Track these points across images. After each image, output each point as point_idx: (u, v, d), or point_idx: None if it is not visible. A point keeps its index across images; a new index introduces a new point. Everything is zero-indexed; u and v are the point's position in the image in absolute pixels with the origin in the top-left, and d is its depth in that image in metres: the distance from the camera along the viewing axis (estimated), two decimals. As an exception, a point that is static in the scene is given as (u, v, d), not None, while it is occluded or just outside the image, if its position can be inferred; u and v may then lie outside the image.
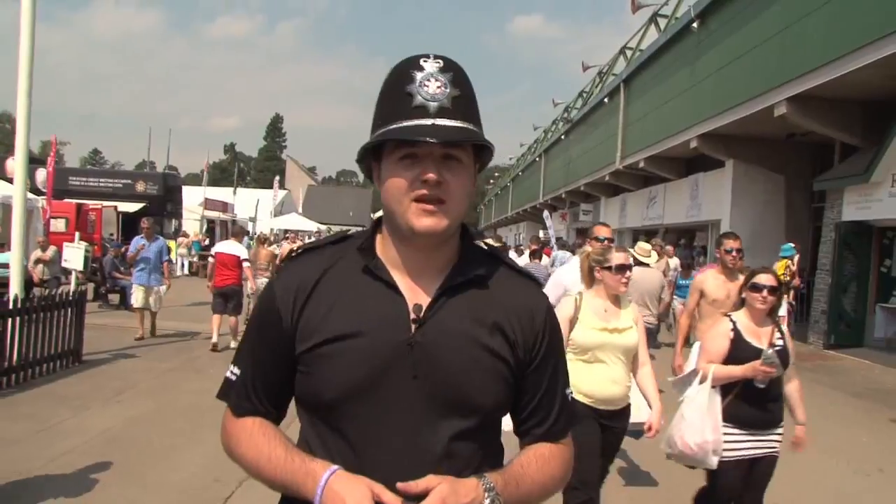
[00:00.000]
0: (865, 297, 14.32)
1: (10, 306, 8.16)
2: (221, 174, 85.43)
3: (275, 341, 1.51)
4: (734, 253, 5.91)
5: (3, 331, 7.98)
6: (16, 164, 9.13)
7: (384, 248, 1.55)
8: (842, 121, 14.21)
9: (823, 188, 15.16)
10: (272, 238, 33.70)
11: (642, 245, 8.78)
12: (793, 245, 14.01)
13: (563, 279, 5.61)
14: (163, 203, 32.28)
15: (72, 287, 11.13)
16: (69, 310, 9.30)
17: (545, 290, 5.24)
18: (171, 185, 34.36)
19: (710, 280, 6.06)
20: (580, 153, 34.53)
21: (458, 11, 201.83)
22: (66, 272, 17.56)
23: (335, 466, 1.40)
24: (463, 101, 1.45)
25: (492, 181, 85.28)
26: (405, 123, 1.41)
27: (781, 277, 11.30)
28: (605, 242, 5.29)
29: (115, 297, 16.05)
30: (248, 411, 1.56)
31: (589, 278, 4.30)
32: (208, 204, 38.66)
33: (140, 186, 32.60)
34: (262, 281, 14.11)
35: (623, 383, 4.16)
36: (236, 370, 1.60)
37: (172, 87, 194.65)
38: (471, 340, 1.48)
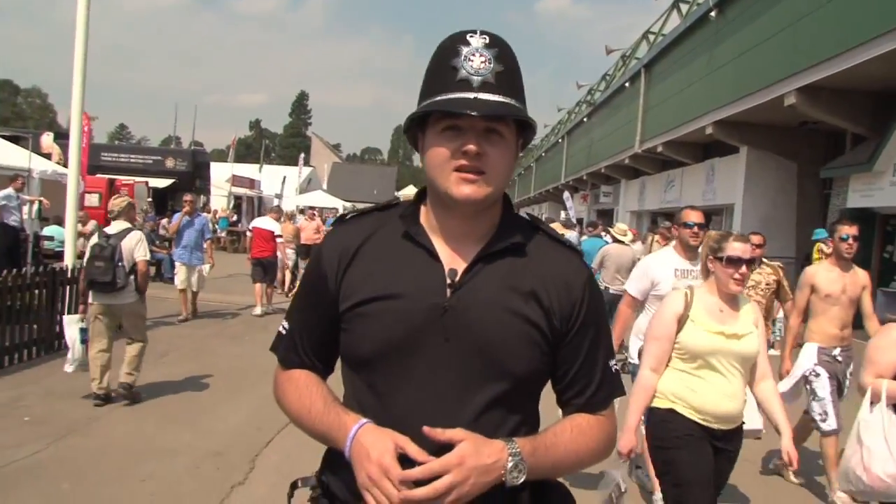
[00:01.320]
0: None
1: (69, 275, 8.96)
2: (247, 150, 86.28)
3: (321, 299, 1.60)
4: (850, 240, 5.22)
5: (55, 297, 8.78)
6: (71, 143, 9.87)
7: (426, 216, 1.60)
8: (850, 111, 14.69)
9: (830, 175, 15.67)
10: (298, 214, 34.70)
11: (619, 225, 10.56)
12: (826, 229, 13.55)
13: (651, 270, 4.97)
14: (191, 179, 32.70)
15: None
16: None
17: (630, 280, 5.22)
18: (199, 161, 34.92)
19: (821, 273, 5.41)
20: (601, 136, 34.98)
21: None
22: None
23: (365, 420, 1.47)
24: (507, 76, 1.48)
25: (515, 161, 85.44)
26: (449, 96, 1.45)
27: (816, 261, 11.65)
28: (695, 228, 4.74)
29: (151, 270, 16.88)
30: (295, 364, 1.66)
31: (704, 270, 3.68)
32: (235, 180, 39.37)
33: (170, 162, 33.19)
34: (289, 252, 15.10)
35: (739, 398, 3.54)
36: (287, 325, 1.70)
37: (199, 63, 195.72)
38: (504, 306, 1.51)
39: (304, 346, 1.65)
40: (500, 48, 1.48)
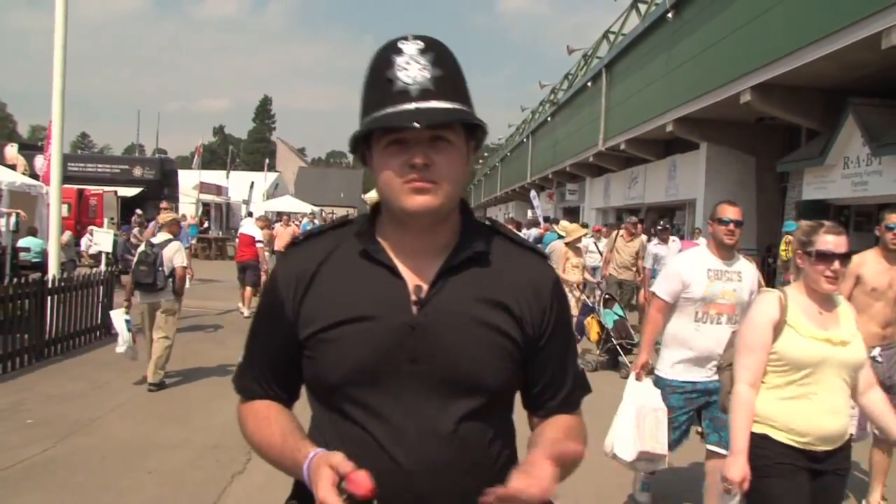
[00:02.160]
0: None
1: (50, 285, 9.22)
2: (211, 156, 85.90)
3: (279, 327, 1.53)
4: None
5: (44, 307, 9.04)
6: (53, 156, 10.16)
7: (384, 232, 1.54)
8: (802, 107, 15.31)
9: (786, 170, 16.30)
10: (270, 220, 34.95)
11: (563, 223, 12.04)
12: (795, 222, 13.27)
13: (683, 271, 4.51)
14: (160, 187, 32.68)
15: (102, 268, 12.17)
16: (101, 288, 10.38)
17: (658, 281, 4.77)
18: (167, 169, 35.01)
19: (869, 264, 4.93)
20: (566, 135, 35.55)
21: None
22: (79, 255, 18.69)
23: (312, 453, 1.37)
24: (447, 80, 1.42)
25: (481, 161, 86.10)
26: (389, 110, 1.38)
27: (784, 255, 12.00)
28: (731, 226, 4.35)
29: (126, 278, 17.07)
30: (257, 394, 1.60)
31: (795, 268, 3.27)
32: (203, 187, 39.37)
33: (137, 171, 33.27)
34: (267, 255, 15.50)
35: (845, 414, 3.11)
36: (244, 354, 1.65)
37: (160, 70, 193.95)
38: (473, 319, 1.47)
39: (266, 377, 1.59)
40: (435, 52, 1.42)
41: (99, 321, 10.34)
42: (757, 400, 3.09)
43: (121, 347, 8.03)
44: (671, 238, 11.72)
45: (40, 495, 4.74)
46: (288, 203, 45.52)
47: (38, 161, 25.55)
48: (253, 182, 46.78)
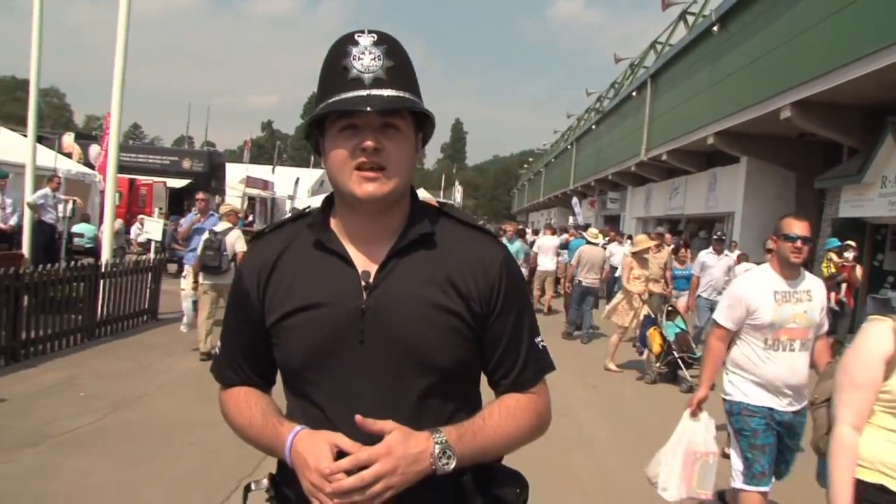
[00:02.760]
0: (858, 288, 15.51)
1: (103, 270, 9.76)
2: (259, 151, 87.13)
3: (247, 316, 1.62)
4: None
5: (96, 290, 9.58)
6: (109, 148, 10.72)
7: (337, 220, 1.61)
8: (841, 125, 15.40)
9: (824, 186, 16.35)
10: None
11: (591, 230, 12.33)
12: (838, 239, 13.15)
13: (746, 295, 4.14)
14: (208, 180, 33.18)
15: (152, 255, 12.72)
16: (149, 274, 10.91)
17: (719, 306, 4.35)
18: (216, 162, 35.63)
19: None
20: (609, 143, 35.69)
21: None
22: (129, 243, 19.41)
23: (299, 427, 1.49)
24: (398, 71, 1.49)
25: (525, 166, 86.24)
26: (343, 96, 1.46)
27: (826, 272, 11.88)
28: (798, 242, 3.97)
29: (173, 267, 17.69)
30: (235, 381, 1.68)
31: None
32: (249, 181, 40.13)
33: (186, 163, 33.89)
34: None
35: None
36: (220, 345, 1.73)
37: (211, 64, 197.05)
38: (421, 300, 1.52)
39: (239, 363, 1.67)
40: (388, 44, 1.51)
41: (147, 306, 10.87)
42: (870, 444, 2.71)
43: (184, 327, 9.55)
44: (725, 252, 11.47)
45: (92, 460, 5.18)
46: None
47: (93, 150, 26.38)
48: (298, 178, 47.58)
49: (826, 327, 4.30)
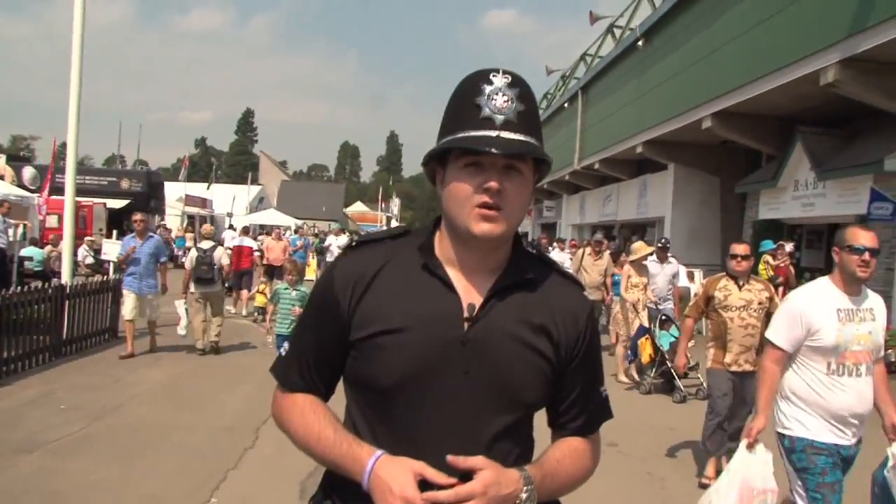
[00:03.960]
0: (792, 287, 16.60)
1: (68, 291, 10.12)
2: (193, 168, 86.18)
3: (331, 324, 1.60)
4: None
5: (62, 311, 9.93)
6: (67, 173, 11.04)
7: (441, 247, 1.62)
8: (758, 133, 16.54)
9: (744, 191, 17.48)
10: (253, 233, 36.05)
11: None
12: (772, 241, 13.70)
13: (807, 314, 3.72)
14: (147, 199, 33.16)
15: (111, 275, 13.05)
16: (109, 294, 11.28)
17: (773, 324, 3.91)
18: (154, 181, 35.49)
19: None
20: (543, 153, 36.69)
21: (432, 3, 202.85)
22: (77, 265, 19.55)
23: (380, 452, 1.49)
24: (527, 115, 1.53)
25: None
26: (472, 133, 1.48)
27: (763, 274, 12.36)
28: (866, 255, 3.58)
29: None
30: (298, 387, 1.66)
31: None
32: (188, 200, 40.14)
33: (125, 183, 33.73)
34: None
35: None
36: (289, 347, 1.71)
37: (142, 81, 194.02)
38: (518, 339, 1.55)
39: (310, 370, 1.66)
40: (521, 88, 1.54)
41: (108, 324, 11.22)
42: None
43: (181, 330, 10.56)
44: (669, 259, 10.85)
45: (87, 461, 5.67)
46: (272, 216, 46.21)
47: (27, 172, 26.33)
48: (235, 196, 47.66)
49: (883, 351, 3.87)
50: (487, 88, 1.51)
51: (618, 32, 27.90)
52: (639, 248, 10.52)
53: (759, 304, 5.78)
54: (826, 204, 13.98)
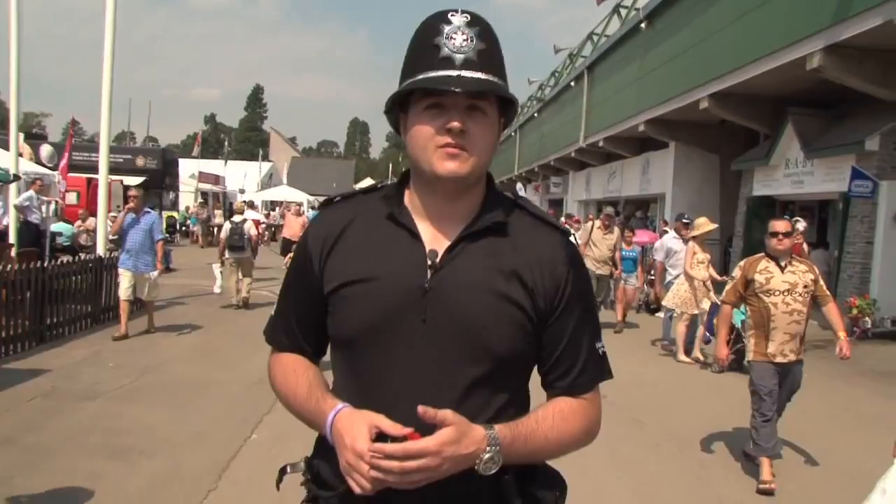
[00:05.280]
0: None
1: (104, 263, 11.00)
2: (203, 145, 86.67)
3: (307, 282, 1.62)
4: None
5: (100, 281, 10.80)
6: (101, 154, 11.88)
7: (410, 198, 1.60)
8: (753, 113, 17.23)
9: (740, 168, 18.18)
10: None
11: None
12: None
13: None
14: (161, 177, 33.91)
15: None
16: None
17: None
18: (168, 159, 36.14)
19: None
20: (551, 130, 37.38)
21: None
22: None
23: (341, 405, 1.48)
24: (488, 54, 1.48)
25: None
26: (431, 74, 1.45)
27: None
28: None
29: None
30: (285, 346, 1.70)
31: None
32: (202, 177, 40.90)
33: (140, 161, 34.39)
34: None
35: None
36: (276, 308, 1.74)
37: (152, 57, 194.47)
38: (485, 287, 1.50)
39: (293, 329, 1.67)
40: (480, 26, 1.49)
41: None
42: None
43: (217, 289, 13.17)
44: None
45: (141, 407, 6.56)
46: (283, 192, 46.91)
47: (44, 150, 27.09)
48: (246, 172, 48.41)
49: None
50: (446, 28, 1.48)
51: (623, 13, 28.48)
52: (702, 223, 9.99)
53: (805, 287, 5.30)
54: (814, 181, 14.71)
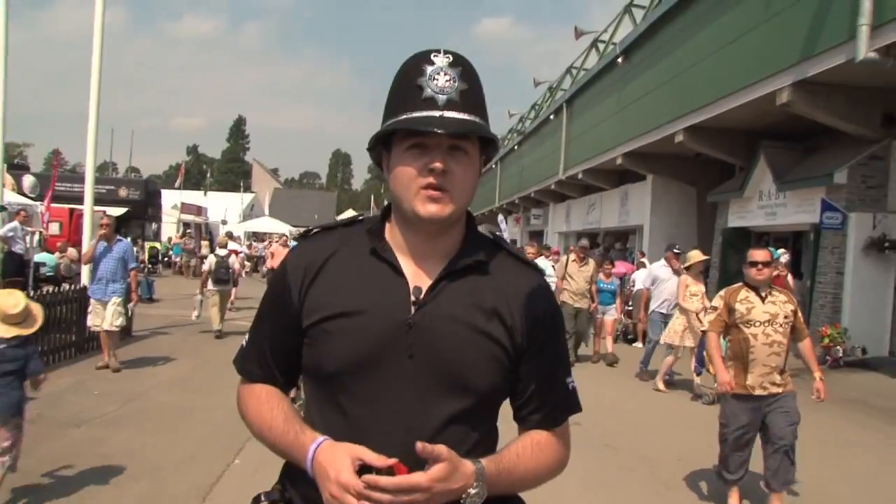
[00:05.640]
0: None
1: (88, 293, 11.10)
2: (185, 175, 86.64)
3: (284, 313, 1.61)
4: None
5: (84, 311, 10.90)
6: (86, 185, 12.05)
7: (392, 233, 1.61)
8: (728, 146, 17.63)
9: (715, 200, 18.57)
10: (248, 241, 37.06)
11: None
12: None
13: None
14: (144, 208, 34.07)
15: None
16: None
17: None
18: (151, 190, 36.36)
19: None
20: (531, 163, 37.80)
21: (425, 12, 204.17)
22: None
23: (321, 438, 1.49)
24: (471, 95, 1.51)
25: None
26: (415, 114, 1.47)
27: None
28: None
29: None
30: (256, 376, 1.68)
31: None
32: (184, 208, 40.98)
33: (123, 192, 34.40)
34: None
35: None
36: (249, 337, 1.73)
37: (133, 87, 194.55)
38: (468, 324, 1.53)
39: (266, 360, 1.66)
40: (463, 67, 1.52)
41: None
42: None
43: (195, 315, 14.47)
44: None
45: (127, 433, 6.69)
46: (265, 224, 47.04)
47: (27, 181, 27.20)
48: (227, 205, 48.51)
49: None
50: (429, 69, 1.50)
51: (601, 47, 29.03)
52: (694, 255, 10.06)
53: (785, 317, 5.23)
54: (787, 213, 15.10)
